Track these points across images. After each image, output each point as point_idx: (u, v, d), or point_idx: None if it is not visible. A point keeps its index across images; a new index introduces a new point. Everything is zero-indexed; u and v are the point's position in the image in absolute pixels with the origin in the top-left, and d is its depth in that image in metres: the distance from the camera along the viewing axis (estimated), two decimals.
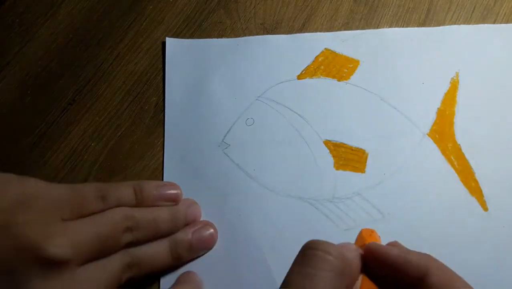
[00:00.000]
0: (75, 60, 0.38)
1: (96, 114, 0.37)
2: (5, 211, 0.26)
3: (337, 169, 0.34)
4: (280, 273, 0.31)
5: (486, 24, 0.37)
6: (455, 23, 0.38)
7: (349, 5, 0.39)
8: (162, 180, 0.35)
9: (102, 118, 0.37)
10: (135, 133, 0.36)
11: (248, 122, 0.35)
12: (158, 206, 0.32)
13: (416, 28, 0.37)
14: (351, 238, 0.32)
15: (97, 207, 0.29)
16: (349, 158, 0.34)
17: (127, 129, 0.36)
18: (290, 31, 0.38)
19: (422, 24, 0.38)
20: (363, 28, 0.38)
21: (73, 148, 0.36)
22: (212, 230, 0.32)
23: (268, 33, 0.38)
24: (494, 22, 0.37)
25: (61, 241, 0.25)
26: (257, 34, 0.38)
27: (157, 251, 0.31)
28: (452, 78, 0.36)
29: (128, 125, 0.37)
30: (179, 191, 0.33)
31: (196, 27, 0.39)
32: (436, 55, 0.36)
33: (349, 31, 0.38)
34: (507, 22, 0.37)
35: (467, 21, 0.38)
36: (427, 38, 0.37)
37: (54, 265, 0.25)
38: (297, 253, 0.31)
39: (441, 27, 0.37)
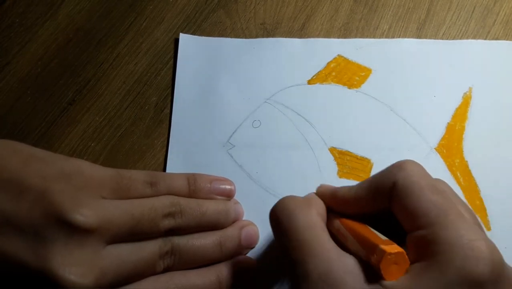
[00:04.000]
0: (75, 60, 0.38)
1: (96, 114, 0.37)
2: (46, 179, 0.26)
3: (341, 177, 0.34)
4: (276, 277, 0.32)
5: (504, 41, 0.37)
6: (455, 23, 0.38)
7: (349, 5, 0.39)
8: None
9: (102, 118, 0.37)
10: (135, 134, 0.36)
11: (254, 124, 0.35)
12: (210, 199, 0.31)
13: (432, 40, 0.37)
14: None
15: (144, 192, 0.29)
16: (353, 166, 0.34)
17: (127, 129, 0.36)
18: (290, 31, 0.38)
19: (422, 24, 0.38)
20: (363, 28, 0.38)
21: (73, 148, 0.36)
22: (256, 229, 0.32)
23: (268, 33, 0.38)
24: (494, 22, 0.37)
25: (87, 211, 0.26)
26: (257, 34, 0.38)
27: (205, 242, 0.30)
28: (465, 93, 0.35)
29: (128, 125, 0.37)
30: (232, 187, 0.33)
31: (196, 27, 0.39)
32: (450, 68, 0.36)
33: (364, 39, 0.37)
34: (507, 22, 0.37)
35: (467, 21, 0.38)
36: (442, 50, 0.37)
37: (77, 232, 0.25)
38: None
39: (457, 41, 0.37)
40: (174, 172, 0.34)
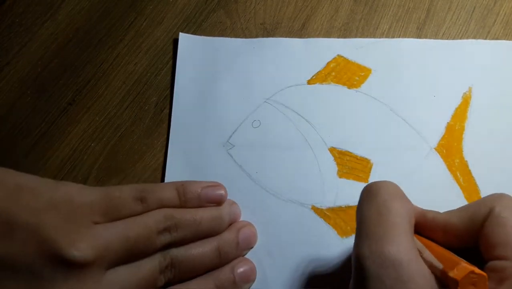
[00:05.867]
0: (75, 60, 0.38)
1: (96, 114, 0.37)
2: (36, 213, 0.26)
3: (340, 176, 0.34)
4: (274, 277, 0.31)
5: (504, 41, 0.37)
6: (455, 23, 0.38)
7: (349, 5, 0.39)
8: (163, 177, 0.35)
9: (102, 118, 0.37)
10: (135, 133, 0.36)
11: (254, 124, 0.35)
12: (202, 207, 0.31)
13: (432, 40, 0.37)
14: (350, 247, 0.32)
15: (135, 210, 0.29)
16: (353, 166, 0.34)
17: (127, 129, 0.37)
18: (290, 31, 0.38)
19: (422, 24, 0.38)
20: (363, 28, 0.38)
21: (73, 148, 0.36)
22: (254, 229, 0.32)
23: (268, 33, 0.38)
24: (494, 22, 0.37)
25: (83, 244, 0.25)
26: (257, 34, 0.38)
27: (203, 251, 0.30)
28: (465, 93, 0.35)
29: (128, 125, 0.37)
30: (223, 192, 0.32)
31: (196, 27, 0.39)
32: (450, 68, 0.36)
33: (364, 39, 0.37)
34: (507, 22, 0.37)
35: (467, 21, 0.38)
36: (442, 50, 0.36)
37: (75, 268, 0.25)
38: (291, 259, 0.32)
39: (457, 41, 0.37)
40: (174, 172, 0.35)
